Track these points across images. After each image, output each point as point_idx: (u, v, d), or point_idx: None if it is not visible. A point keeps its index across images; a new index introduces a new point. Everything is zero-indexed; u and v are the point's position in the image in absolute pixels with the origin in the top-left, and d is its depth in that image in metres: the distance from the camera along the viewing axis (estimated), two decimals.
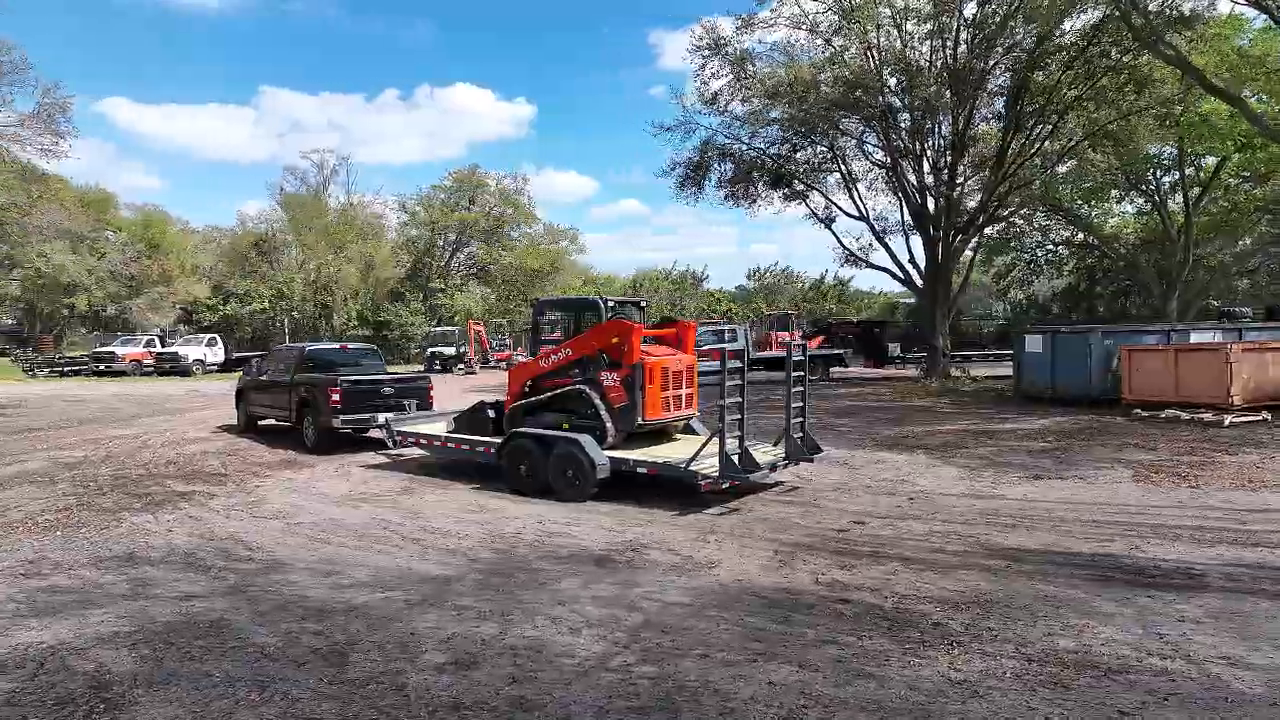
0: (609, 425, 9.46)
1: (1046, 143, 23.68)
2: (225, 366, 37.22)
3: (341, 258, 50.80)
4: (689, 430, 10.57)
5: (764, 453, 9.63)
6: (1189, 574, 6.16)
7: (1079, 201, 37.82)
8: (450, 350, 38.65)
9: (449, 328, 42.77)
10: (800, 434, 9.77)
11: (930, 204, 24.93)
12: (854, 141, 26.46)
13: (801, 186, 27.54)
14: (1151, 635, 4.99)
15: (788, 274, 49.58)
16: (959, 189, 24.92)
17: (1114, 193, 37.56)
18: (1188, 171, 32.94)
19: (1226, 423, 13.24)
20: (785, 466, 9.62)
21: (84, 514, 8.58)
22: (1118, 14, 18.37)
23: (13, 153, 21.85)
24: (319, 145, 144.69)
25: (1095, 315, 42.11)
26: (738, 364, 8.71)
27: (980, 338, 44.58)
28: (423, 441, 11.25)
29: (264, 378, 14.87)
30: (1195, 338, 17.16)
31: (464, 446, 10.57)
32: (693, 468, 8.51)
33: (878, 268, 28.30)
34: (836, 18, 22.94)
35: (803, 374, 9.83)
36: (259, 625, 5.26)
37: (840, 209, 27.93)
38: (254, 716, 4.01)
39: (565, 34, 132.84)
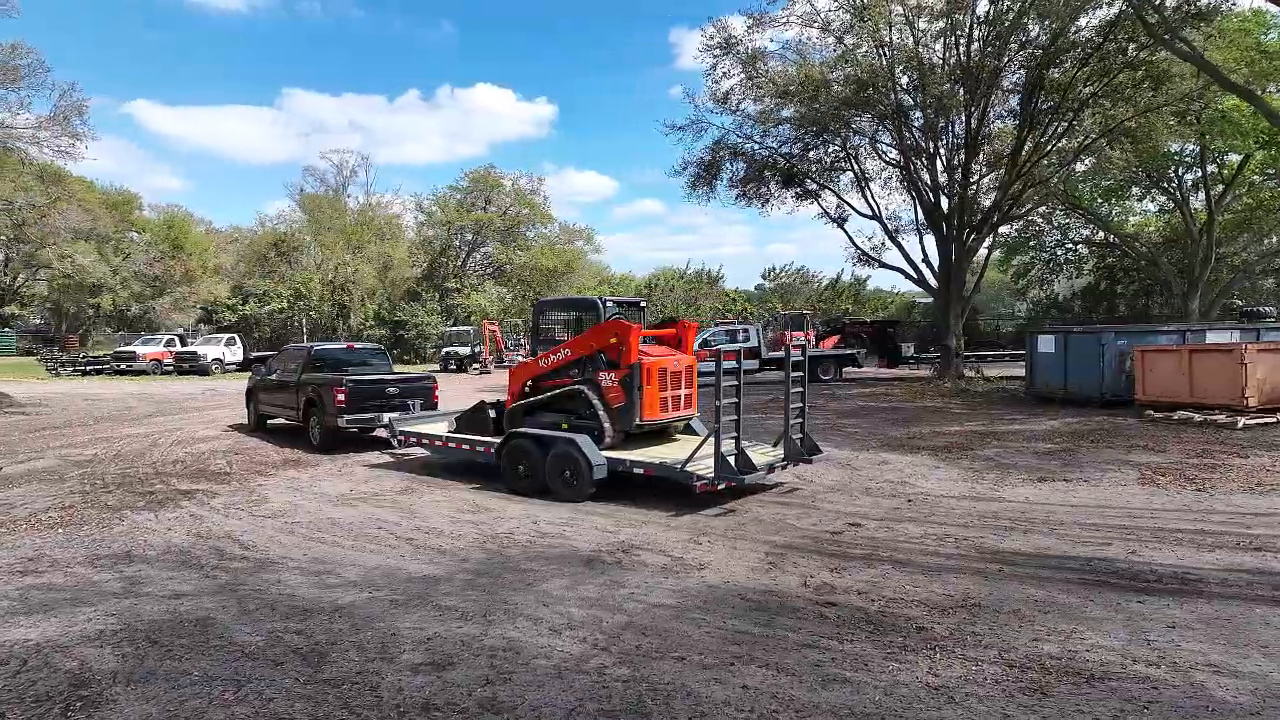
0: (607, 425, 9.45)
1: (1062, 140, 23.37)
2: (244, 366, 37.62)
3: (359, 258, 51.20)
4: (690, 430, 10.54)
5: (763, 453, 9.59)
6: (1185, 579, 6.05)
7: (1099, 200, 37.39)
8: (465, 350, 38.83)
9: (464, 327, 42.97)
10: (800, 435, 9.71)
11: (943, 203, 24.73)
12: (867, 140, 26.29)
13: (814, 186, 27.40)
14: (1139, 641, 4.91)
15: (803, 274, 49.28)
16: (973, 187, 24.67)
17: (1134, 190, 37.11)
18: (1210, 169, 32.46)
19: (1240, 425, 13.01)
20: (784, 468, 9.58)
21: (88, 512, 8.69)
22: (1132, 10, 18.10)
23: (30, 155, 22.17)
24: (341, 146, 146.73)
25: (1116, 315, 41.61)
26: (733, 364, 8.66)
27: (998, 337, 44.17)
28: (424, 441, 11.30)
29: (273, 377, 15.01)
30: (1212, 338, 16.88)
31: (464, 446, 10.61)
32: (689, 469, 8.47)
33: (891, 267, 28.15)
34: (848, 16, 22.79)
35: (802, 375, 9.77)
36: (243, 624, 5.30)
37: (853, 208, 27.79)
38: (226, 715, 4.04)
39: (586, 34, 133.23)
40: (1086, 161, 26.56)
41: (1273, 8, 20.50)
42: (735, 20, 24.42)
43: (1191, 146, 31.33)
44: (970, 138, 23.39)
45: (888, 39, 22.74)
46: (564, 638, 5.04)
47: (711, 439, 8.53)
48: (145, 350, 37.15)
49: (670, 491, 9.08)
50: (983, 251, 28.23)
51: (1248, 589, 5.81)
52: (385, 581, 6.21)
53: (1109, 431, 13.36)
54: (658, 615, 5.44)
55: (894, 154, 25.86)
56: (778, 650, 4.84)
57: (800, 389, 9.71)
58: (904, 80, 23.46)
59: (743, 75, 24.64)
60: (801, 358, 9.75)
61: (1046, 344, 17.67)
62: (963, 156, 23.81)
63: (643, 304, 11.05)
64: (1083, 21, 20.98)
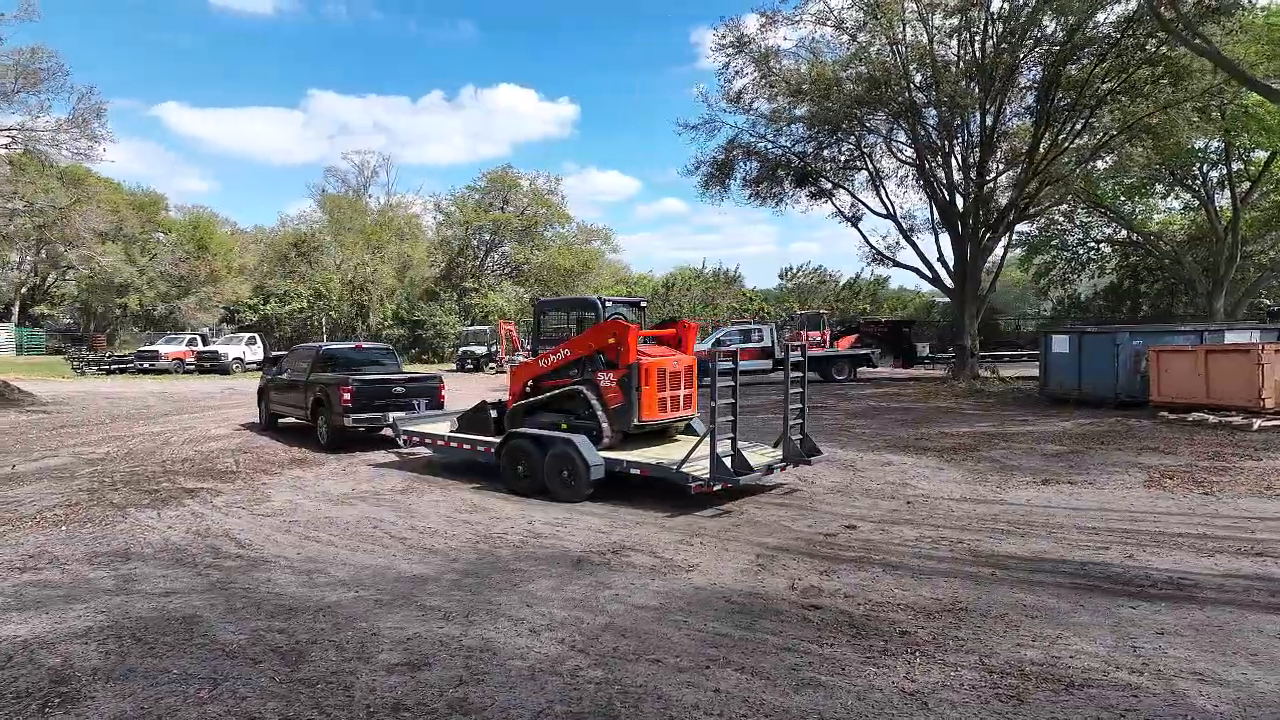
0: (605, 426, 9.46)
1: (1082, 138, 23.05)
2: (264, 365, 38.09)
3: (378, 258, 51.64)
4: (691, 431, 10.51)
5: (761, 454, 9.55)
6: (1180, 584, 5.94)
7: (1121, 198, 36.82)
8: (482, 349, 39.05)
9: (481, 327, 43.19)
10: (800, 436, 9.65)
11: (958, 201, 24.47)
12: (881, 139, 26.09)
13: (828, 185, 27.23)
14: (1124, 648, 4.82)
15: (820, 273, 48.97)
16: (989, 185, 24.40)
17: (1158, 188, 36.51)
18: (1236, 166, 31.85)
19: (1255, 426, 12.75)
20: (783, 469, 9.52)
21: (93, 510, 8.83)
22: (1148, 5, 17.79)
23: (50, 157, 22.57)
24: (366, 147, 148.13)
25: (1139, 314, 40.96)
26: (729, 364, 8.63)
27: (1018, 337, 43.66)
28: (428, 441, 11.36)
29: (284, 377, 15.17)
30: (1231, 338, 16.57)
31: (466, 446, 10.66)
32: (685, 469, 8.45)
33: (905, 266, 27.91)
34: (862, 14, 22.63)
35: (802, 375, 9.71)
36: (228, 622, 5.36)
37: (867, 207, 27.59)
38: (199, 713, 4.08)
39: (607, 34, 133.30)
40: (1107, 159, 26.18)
41: None
42: (750, 19, 24.36)
43: (1216, 143, 30.75)
44: (985, 135, 23.14)
45: (901, 36, 22.55)
46: (542, 638, 5.04)
47: (707, 440, 8.50)
48: (168, 350, 37.71)
49: (668, 492, 9.06)
50: (999, 250, 27.93)
51: (1244, 595, 5.70)
52: (373, 581, 6.25)
53: (1120, 433, 13.16)
54: (639, 617, 5.42)
55: (909, 152, 25.66)
56: (756, 653, 4.81)
57: (800, 389, 9.65)
58: (917, 78, 23.24)
59: (756, 74, 24.57)
60: (801, 358, 9.68)
61: (1061, 344, 17.43)
62: (978, 155, 23.56)
63: (643, 304, 11.03)
64: (1100, 17, 20.68)
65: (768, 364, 25.21)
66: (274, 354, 35.69)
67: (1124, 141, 23.48)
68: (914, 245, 26.40)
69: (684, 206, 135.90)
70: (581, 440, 9.15)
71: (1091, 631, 5.09)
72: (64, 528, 8.04)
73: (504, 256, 56.84)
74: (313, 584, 6.21)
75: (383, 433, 13.43)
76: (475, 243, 56.28)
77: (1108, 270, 44.00)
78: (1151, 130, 22.39)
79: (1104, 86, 21.18)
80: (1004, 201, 24.72)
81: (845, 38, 23.49)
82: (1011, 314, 52.01)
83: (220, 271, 55.49)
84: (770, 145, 26.62)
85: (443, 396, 13.93)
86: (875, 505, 8.82)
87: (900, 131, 25.23)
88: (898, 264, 27.92)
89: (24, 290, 55.39)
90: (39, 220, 29.24)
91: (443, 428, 11.59)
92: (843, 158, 26.88)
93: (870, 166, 26.60)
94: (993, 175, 24.80)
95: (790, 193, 27.66)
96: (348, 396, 12.67)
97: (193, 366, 37.03)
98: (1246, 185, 31.89)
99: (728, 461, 8.47)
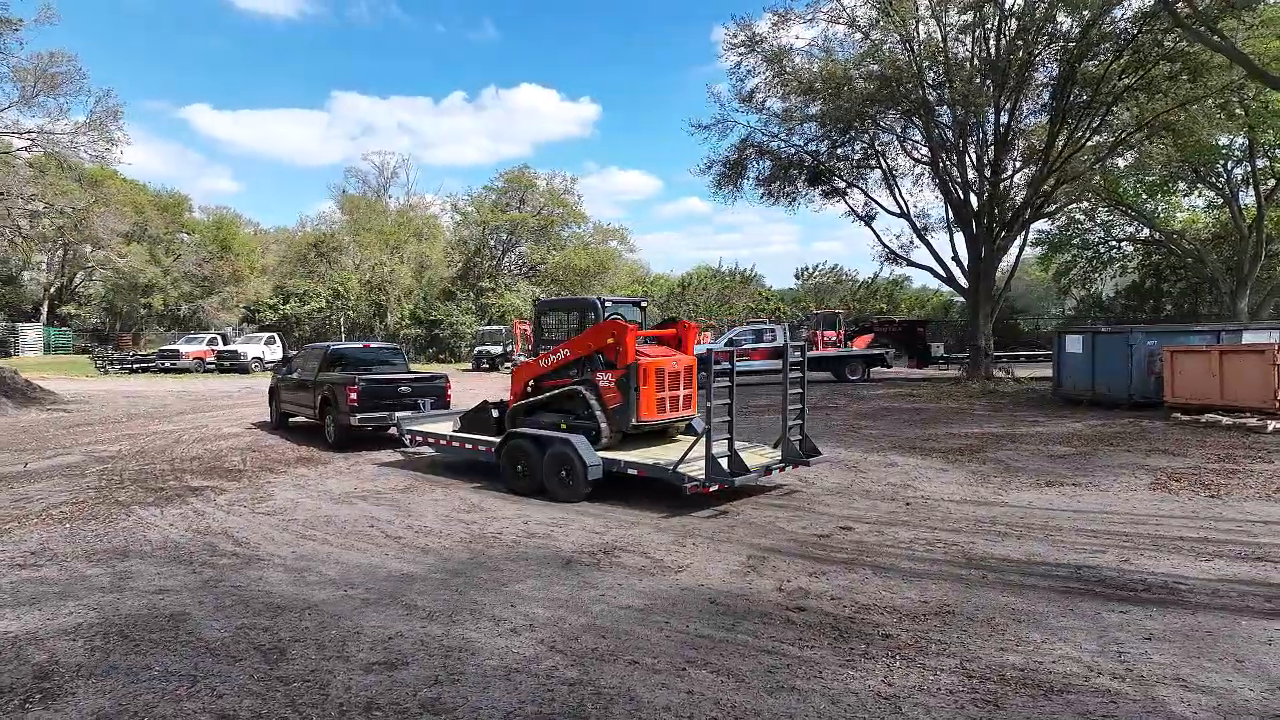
0: (604, 426, 9.46)
1: (1099, 136, 22.73)
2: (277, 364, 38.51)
3: (396, 258, 52.03)
4: (691, 431, 10.48)
5: (760, 455, 9.52)
6: (1174, 589, 5.85)
7: (1143, 195, 36.28)
8: (497, 349, 39.24)
9: (497, 327, 43.39)
10: (799, 437, 9.60)
11: (973, 200, 24.23)
12: (895, 137, 25.88)
13: (841, 184, 27.05)
14: (1109, 653, 4.76)
15: (836, 272, 48.68)
16: (1004, 184, 24.14)
17: (1180, 186, 35.93)
18: (1261, 163, 31.24)
19: (1270, 428, 12.51)
20: (782, 470, 9.47)
21: (98, 507, 8.96)
22: (1161, 2, 17.51)
23: (68, 159, 22.97)
24: (389, 148, 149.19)
25: (1162, 314, 40.33)
26: (725, 364, 8.60)
27: (1037, 337, 43.15)
28: (431, 440, 11.43)
29: (294, 376, 15.32)
30: (1249, 338, 16.27)
31: (467, 445, 10.71)
32: (681, 470, 8.43)
33: (919, 265, 27.68)
34: (875, 11, 22.47)
35: (801, 375, 9.66)
36: (215, 620, 5.42)
37: (881, 206, 27.39)
38: (175, 710, 4.13)
39: (628, 34, 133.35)
40: (1127, 157, 25.81)
41: None
42: (762, 18, 24.28)
43: (1240, 140, 30.22)
44: (1000, 133, 22.89)
45: (914, 33, 22.35)
46: (522, 638, 5.06)
47: (703, 440, 8.47)
48: (189, 349, 38.24)
49: (666, 493, 9.04)
50: (1014, 250, 27.64)
51: (1238, 600, 5.60)
52: (362, 580, 6.29)
53: (1132, 434, 12.97)
54: (621, 617, 5.42)
55: (923, 151, 25.43)
56: (734, 655, 4.80)
57: (799, 390, 9.60)
58: (929, 76, 23.03)
59: (768, 73, 24.46)
60: (800, 358, 9.64)
61: (1074, 344, 17.21)
62: (993, 153, 23.31)
63: (643, 304, 11.02)
64: (1117, 13, 20.39)
65: (779, 364, 25.10)
66: (289, 354, 36.21)
67: (1143, 139, 23.13)
68: (928, 244, 26.20)
69: (705, 206, 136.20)
70: (579, 440, 9.16)
71: (1077, 636, 5.03)
72: (68, 525, 8.17)
73: (520, 256, 57.09)
74: (303, 582, 6.27)
75: (390, 432, 13.52)
76: (492, 243, 56.56)
77: (1129, 269, 43.37)
78: (1171, 127, 22.04)
79: (1121, 83, 20.86)
80: (1019, 200, 24.42)
81: (858, 36, 23.37)
82: (1034, 314, 51.42)
83: (243, 271, 56.27)
84: (783, 144, 26.54)
85: (449, 396, 14.00)
86: (874, 507, 8.75)
87: (914, 130, 25.03)
88: (911, 263, 27.73)
89: (52, 290, 56.44)
90: (59, 222, 29.78)
91: (446, 427, 11.65)
92: (856, 156, 26.71)
93: (884, 165, 26.41)
94: (1008, 174, 24.54)
95: (803, 192, 27.52)
96: (354, 396, 12.77)
97: (213, 365, 37.49)
98: (1272, 183, 31.32)
99: (724, 462, 8.44)
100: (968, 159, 23.98)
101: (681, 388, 9.86)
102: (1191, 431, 13.05)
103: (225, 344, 39.97)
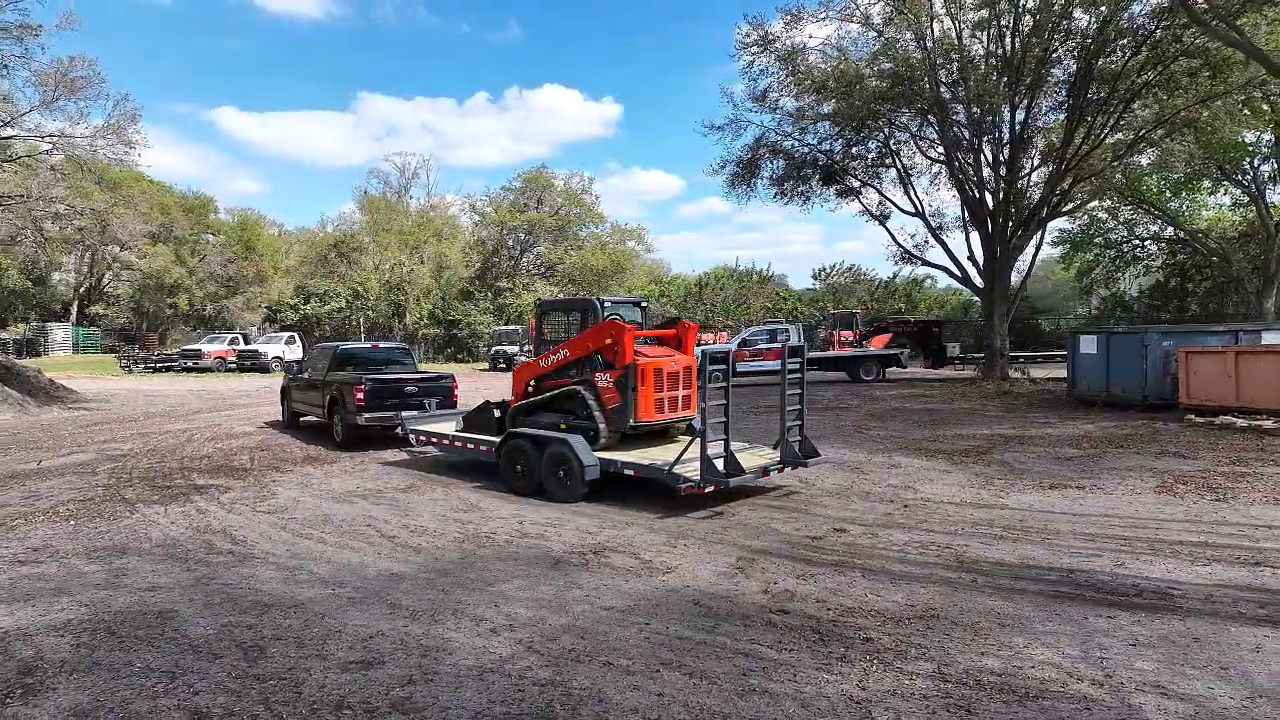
0: (602, 426, 9.47)
1: (1114, 133, 22.39)
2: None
3: (415, 258, 52.42)
4: (693, 432, 10.45)
5: (759, 456, 9.48)
6: (1167, 594, 5.76)
7: (1167, 194, 35.71)
8: (514, 349, 39.41)
9: (514, 326, 43.59)
10: (799, 438, 9.56)
11: (988, 199, 23.97)
12: (910, 136, 25.66)
13: (856, 183, 26.89)
14: (1090, 659, 4.69)
15: (854, 272, 48.37)
16: (1020, 182, 23.85)
17: (1205, 184, 35.32)
18: None
19: None
20: (780, 471, 9.43)
21: (104, 505, 9.11)
22: None
23: (87, 163, 23.39)
24: (413, 149, 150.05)
25: (1187, 314, 39.68)
26: (722, 366, 8.58)
27: (1059, 338, 42.58)
28: (434, 440, 11.50)
29: (304, 376, 15.48)
30: (1269, 339, 15.94)
31: (469, 445, 10.77)
32: (677, 470, 8.42)
33: (934, 265, 27.47)
34: (888, 8, 22.29)
35: (799, 376, 9.61)
36: (202, 617, 5.49)
37: (895, 205, 27.19)
38: (150, 706, 4.18)
39: (651, 33, 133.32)
40: (1148, 154, 25.42)
41: None
42: (778, 18, 24.12)
43: (1267, 136, 29.67)
44: (1016, 131, 22.62)
45: (929, 30, 22.15)
46: (500, 638, 5.08)
47: (698, 441, 8.45)
48: (210, 349, 38.75)
49: (663, 494, 9.01)
50: (1030, 249, 27.30)
51: (1231, 606, 5.50)
52: (351, 579, 6.35)
53: (1143, 436, 12.77)
54: (602, 618, 5.43)
55: (938, 149, 25.19)
56: (710, 658, 4.79)
57: (797, 391, 9.55)
58: (943, 74, 22.81)
59: (780, 72, 24.35)
60: (799, 359, 9.59)
61: (1088, 345, 16.98)
62: (1008, 151, 23.04)
63: (644, 304, 11.01)
64: (1135, 9, 20.09)
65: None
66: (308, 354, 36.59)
67: (1164, 136, 22.76)
68: (942, 243, 25.95)
69: (727, 206, 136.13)
70: (577, 440, 9.18)
71: (1060, 641, 4.96)
72: (73, 522, 8.31)
73: (538, 256, 57.27)
74: (293, 580, 6.33)
75: (397, 431, 13.60)
76: (510, 243, 56.81)
77: (1153, 269, 42.71)
78: (1193, 124, 21.66)
79: (1140, 80, 20.55)
80: (1036, 198, 24.11)
81: (872, 34, 23.20)
82: (1058, 314, 50.75)
83: (267, 272, 56.95)
84: (796, 143, 26.44)
85: (456, 396, 14.08)
86: (871, 508, 8.69)
87: (929, 128, 24.81)
88: (926, 263, 27.52)
89: (81, 291, 57.46)
90: (79, 224, 30.35)
91: (450, 427, 11.71)
92: (871, 155, 26.53)
93: (899, 164, 26.21)
94: (1025, 172, 24.24)
95: (818, 191, 27.40)
96: (361, 395, 12.88)
97: (234, 365, 37.96)
98: None
99: (719, 463, 8.42)
100: (983, 157, 23.74)
101: (681, 388, 9.84)
102: (1204, 434, 12.83)
103: (246, 344, 40.49)
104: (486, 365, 40.48)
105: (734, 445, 8.81)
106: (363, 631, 5.20)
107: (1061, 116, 23.46)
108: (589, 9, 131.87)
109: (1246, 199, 34.62)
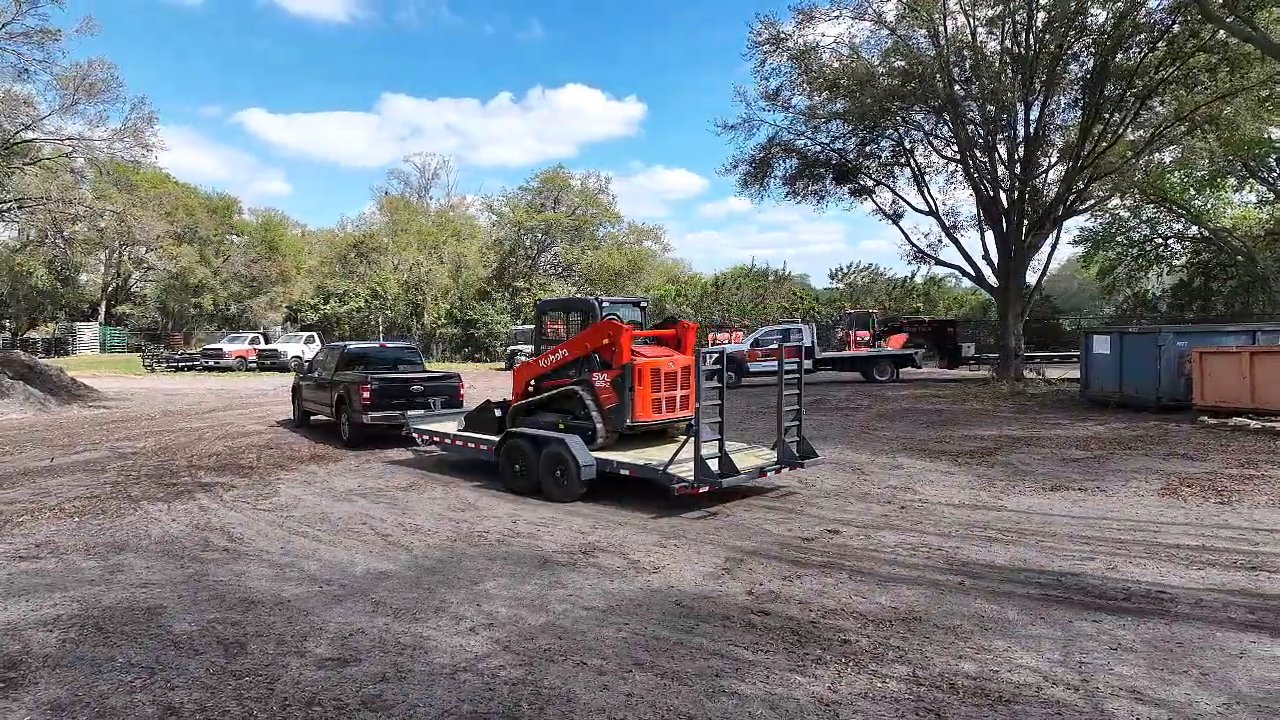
0: (599, 426, 9.49)
1: (1132, 130, 22.06)
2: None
3: (434, 258, 52.78)
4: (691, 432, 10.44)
5: (756, 456, 9.45)
6: (1156, 597, 5.68)
7: (1190, 191, 35.11)
8: (529, 348, 39.56)
9: (530, 326, 43.71)
10: (796, 439, 9.52)
11: (1003, 197, 23.71)
12: (923, 134, 25.45)
13: (869, 182, 26.71)
14: (1070, 664, 4.64)
15: (871, 271, 48.06)
16: (1036, 180, 23.57)
17: (1230, 181, 34.69)
18: None
19: None
20: (777, 471, 9.39)
21: (109, 502, 9.25)
22: None
23: (105, 165, 23.79)
24: (437, 149, 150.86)
25: (1210, 314, 38.99)
26: (717, 366, 8.55)
27: (1078, 337, 42.02)
28: (436, 439, 11.57)
29: (314, 375, 15.63)
30: None
31: (470, 445, 10.83)
32: (672, 470, 8.42)
33: (948, 264, 27.21)
34: (902, 6, 22.12)
35: (797, 376, 9.57)
36: (188, 614, 5.56)
37: (908, 204, 26.96)
38: (126, 701, 4.25)
39: (673, 32, 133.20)
40: (1166, 152, 25.02)
41: None
42: (790, 17, 23.98)
43: None
44: (1030, 129, 22.35)
45: (941, 27, 21.95)
46: (478, 637, 5.10)
47: (692, 441, 8.44)
48: (231, 348, 39.28)
49: (660, 494, 9.00)
50: (1046, 248, 26.95)
51: (1221, 610, 5.41)
52: (338, 576, 6.41)
53: (1153, 438, 12.58)
54: (580, 618, 5.44)
55: (953, 148, 24.95)
56: (685, 658, 4.78)
57: (795, 391, 9.51)
58: (956, 71, 22.59)
59: (793, 71, 24.23)
60: (796, 359, 9.55)
61: (1101, 345, 16.75)
62: (1023, 149, 22.77)
63: (643, 304, 11.01)
64: (1152, 3, 19.77)
65: (808, 364, 24.91)
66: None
67: (1184, 133, 22.38)
68: (956, 243, 25.68)
69: (748, 205, 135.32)
70: (574, 440, 9.20)
71: (1042, 645, 4.91)
72: (77, 519, 8.45)
73: (555, 256, 57.43)
74: (282, 578, 6.40)
75: (403, 430, 13.70)
76: (527, 243, 57.02)
77: (1176, 268, 42.02)
78: (1214, 120, 21.28)
79: (1157, 76, 20.23)
80: (1052, 196, 23.81)
81: (884, 32, 23.03)
82: (1080, 314, 50.08)
83: (289, 272, 57.63)
84: (809, 142, 26.30)
85: (462, 395, 14.16)
86: (867, 509, 8.64)
87: (943, 126, 24.59)
88: (940, 262, 27.26)
89: (108, 290, 58.41)
90: (100, 225, 30.91)
91: (453, 426, 11.78)
92: (884, 154, 26.34)
93: (914, 163, 26.00)
94: (1041, 170, 23.95)
95: (831, 190, 27.26)
96: (367, 395, 12.99)
97: (254, 364, 38.43)
98: None
99: (713, 464, 8.40)
100: (998, 155, 23.49)
101: (679, 388, 9.83)
102: (1216, 436, 12.60)
103: (266, 343, 40.97)
104: (503, 365, 40.64)
105: (731, 446, 8.79)
106: (343, 629, 5.25)
107: (1078, 113, 23.15)
108: (612, 8, 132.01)
109: (1273, 196, 33.99)
